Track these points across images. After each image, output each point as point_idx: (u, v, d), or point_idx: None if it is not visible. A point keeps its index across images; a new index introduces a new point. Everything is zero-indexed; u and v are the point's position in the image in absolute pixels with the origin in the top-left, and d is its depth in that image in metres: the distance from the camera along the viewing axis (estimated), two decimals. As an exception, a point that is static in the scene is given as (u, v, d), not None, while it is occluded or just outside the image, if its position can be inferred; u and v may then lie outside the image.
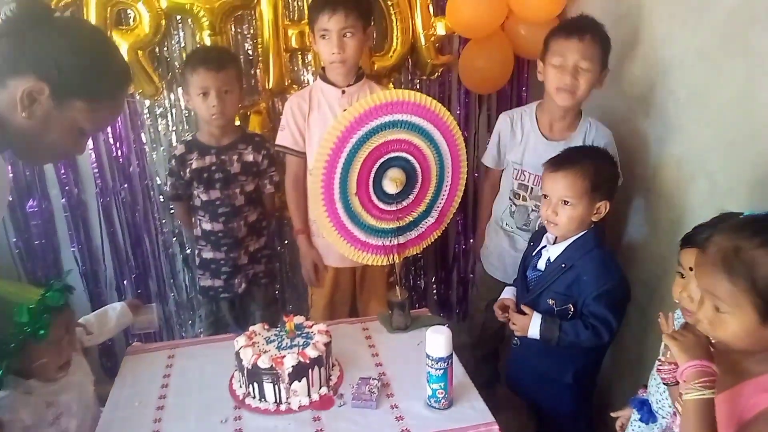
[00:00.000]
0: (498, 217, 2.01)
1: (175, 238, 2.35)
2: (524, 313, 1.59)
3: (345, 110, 1.66)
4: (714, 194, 1.56)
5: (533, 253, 1.68)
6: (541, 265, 1.64)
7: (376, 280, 2.12)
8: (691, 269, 1.18)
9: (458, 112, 2.46)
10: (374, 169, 1.65)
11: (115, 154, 2.22)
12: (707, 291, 1.01)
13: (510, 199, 1.95)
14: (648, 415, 1.35)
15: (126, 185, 2.26)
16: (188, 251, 2.36)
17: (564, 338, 1.53)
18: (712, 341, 1.03)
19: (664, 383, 1.21)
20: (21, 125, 1.12)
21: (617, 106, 1.95)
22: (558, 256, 1.57)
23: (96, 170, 2.22)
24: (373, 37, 2.02)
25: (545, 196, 1.62)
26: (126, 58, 2.01)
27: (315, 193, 1.62)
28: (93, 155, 2.19)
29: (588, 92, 1.76)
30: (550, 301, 1.57)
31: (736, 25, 1.46)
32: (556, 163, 1.59)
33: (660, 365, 1.18)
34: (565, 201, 1.56)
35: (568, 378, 1.63)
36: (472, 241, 2.61)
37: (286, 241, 2.45)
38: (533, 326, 1.55)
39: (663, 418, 1.33)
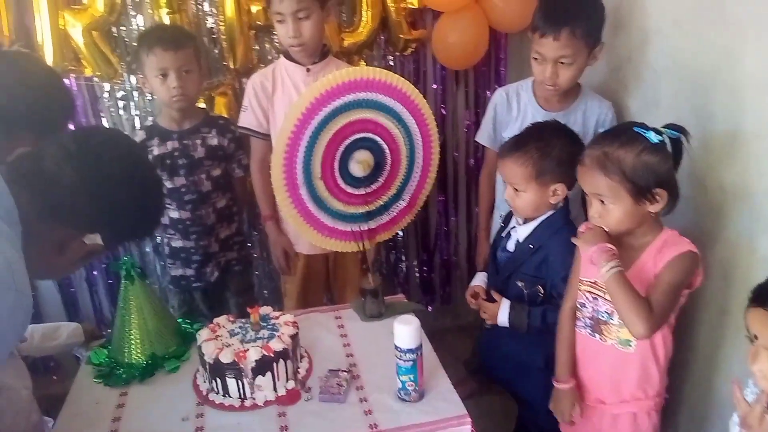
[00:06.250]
0: (498, 208, 1.95)
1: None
2: (494, 300, 1.53)
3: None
4: (694, 170, 1.49)
5: (503, 234, 1.63)
6: (511, 246, 1.59)
7: (349, 267, 2.06)
8: (756, 337, 1.01)
9: (434, 88, 2.38)
10: (340, 152, 1.58)
11: (76, 141, 2.13)
12: (593, 192, 1.32)
13: None
14: None
15: (89, 173, 2.17)
16: (158, 239, 2.28)
17: (533, 324, 1.49)
18: (607, 231, 1.32)
19: None
20: None
21: (600, 78, 1.88)
22: (526, 237, 1.52)
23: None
24: (335, 11, 1.92)
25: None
26: (80, 39, 1.92)
27: (277, 178, 1.54)
28: (53, 143, 2.10)
29: (574, 79, 1.69)
30: (520, 284, 1.53)
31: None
32: (504, 149, 1.55)
33: None
34: (515, 188, 1.52)
35: (539, 362, 1.58)
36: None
37: (261, 225, 2.38)
38: (502, 314, 1.51)
39: None
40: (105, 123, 2.13)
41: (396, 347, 1.34)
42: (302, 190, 1.57)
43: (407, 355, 1.33)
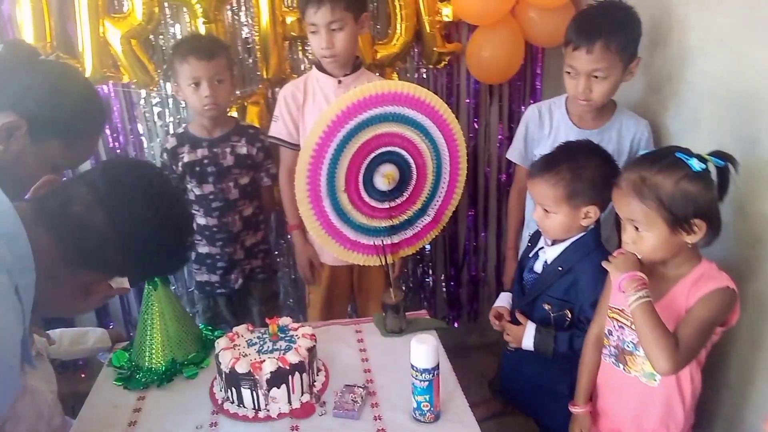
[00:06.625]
0: (528, 226, 1.90)
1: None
2: (519, 322, 1.49)
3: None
4: (735, 196, 1.42)
5: (530, 254, 1.58)
6: (538, 267, 1.54)
7: (373, 279, 2.04)
8: None
9: (468, 103, 2.35)
10: (364, 165, 1.56)
11: (111, 144, 2.17)
12: (627, 218, 1.26)
13: None
14: None
15: (124, 177, 2.21)
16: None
17: (559, 350, 1.43)
18: (640, 259, 1.26)
19: None
20: None
21: (638, 96, 1.82)
22: (555, 259, 1.47)
23: (94, 162, 2.17)
24: (368, 24, 1.91)
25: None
26: (119, 47, 1.96)
27: (300, 190, 1.54)
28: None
29: (608, 95, 1.63)
30: (546, 307, 1.48)
31: (759, 10, 1.32)
32: (534, 169, 1.50)
33: None
34: (545, 209, 1.47)
35: (564, 389, 1.52)
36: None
37: (289, 236, 2.38)
38: (527, 337, 1.46)
39: None
40: (140, 128, 2.17)
41: (412, 366, 1.31)
42: (325, 202, 1.56)
43: (423, 375, 1.30)
